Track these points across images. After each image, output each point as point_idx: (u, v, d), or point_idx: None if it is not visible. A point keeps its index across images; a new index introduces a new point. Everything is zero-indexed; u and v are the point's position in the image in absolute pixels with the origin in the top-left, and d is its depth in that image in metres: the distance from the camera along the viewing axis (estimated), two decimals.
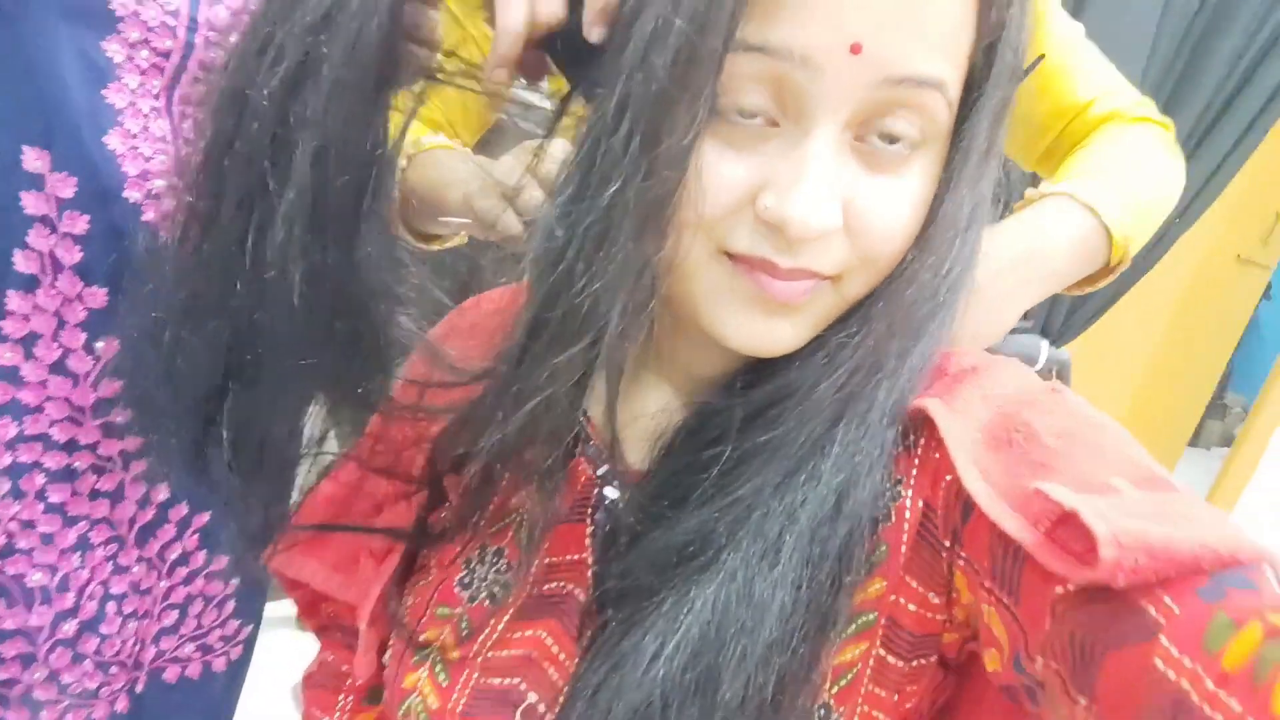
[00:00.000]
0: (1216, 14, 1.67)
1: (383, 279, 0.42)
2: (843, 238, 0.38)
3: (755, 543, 0.38)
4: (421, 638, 0.48)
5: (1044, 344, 0.78)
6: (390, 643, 0.51)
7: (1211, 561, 0.29)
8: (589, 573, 0.45)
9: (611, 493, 0.47)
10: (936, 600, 0.40)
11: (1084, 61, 0.75)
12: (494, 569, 0.48)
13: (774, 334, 0.39)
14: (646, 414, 0.46)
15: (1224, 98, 1.77)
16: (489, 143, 0.93)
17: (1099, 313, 1.92)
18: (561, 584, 0.46)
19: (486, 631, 0.46)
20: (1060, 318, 1.91)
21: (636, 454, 0.46)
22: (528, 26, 0.37)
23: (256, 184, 0.37)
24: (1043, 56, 0.50)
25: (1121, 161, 0.69)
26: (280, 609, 1.99)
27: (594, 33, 0.37)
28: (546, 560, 0.46)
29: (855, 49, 0.34)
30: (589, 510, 0.47)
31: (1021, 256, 0.62)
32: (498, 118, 0.87)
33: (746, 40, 0.35)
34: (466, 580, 0.48)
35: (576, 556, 0.46)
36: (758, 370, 0.42)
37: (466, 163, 0.73)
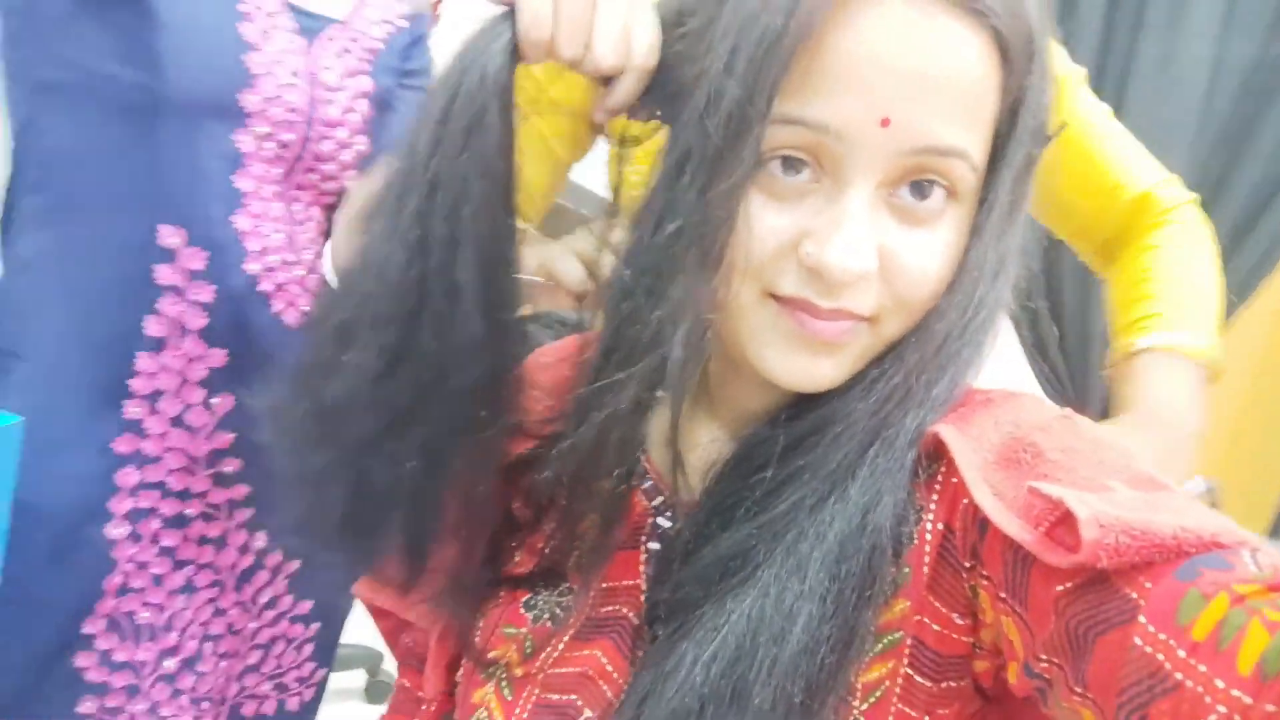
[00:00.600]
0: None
1: (510, 336, 0.48)
2: (877, 282, 0.42)
3: (788, 559, 0.41)
4: (489, 655, 0.52)
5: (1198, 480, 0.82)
6: (462, 661, 0.55)
7: (1193, 544, 0.32)
8: (642, 597, 0.49)
9: (664, 522, 0.50)
10: (961, 621, 0.42)
11: (1108, 142, 0.80)
12: (556, 592, 0.51)
13: (816, 370, 0.44)
14: (699, 446, 0.50)
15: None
16: (548, 223, 1.00)
17: None
18: (617, 607, 0.50)
19: (548, 650, 0.50)
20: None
21: (689, 484, 0.50)
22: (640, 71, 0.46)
23: (435, 287, 0.45)
24: (1065, 125, 0.54)
25: (1185, 284, 0.77)
26: (350, 679, 2.04)
27: (599, 116, 0.47)
28: (604, 585, 0.50)
29: (884, 123, 0.40)
30: (643, 539, 0.51)
31: (1172, 432, 0.72)
32: (558, 202, 0.94)
33: (788, 114, 0.40)
34: (531, 602, 0.52)
35: (631, 582, 0.50)
36: (800, 404, 0.46)
37: (534, 242, 0.81)
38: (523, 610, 0.52)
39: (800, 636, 0.39)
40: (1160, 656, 0.30)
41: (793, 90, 0.40)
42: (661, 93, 0.46)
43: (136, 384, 0.77)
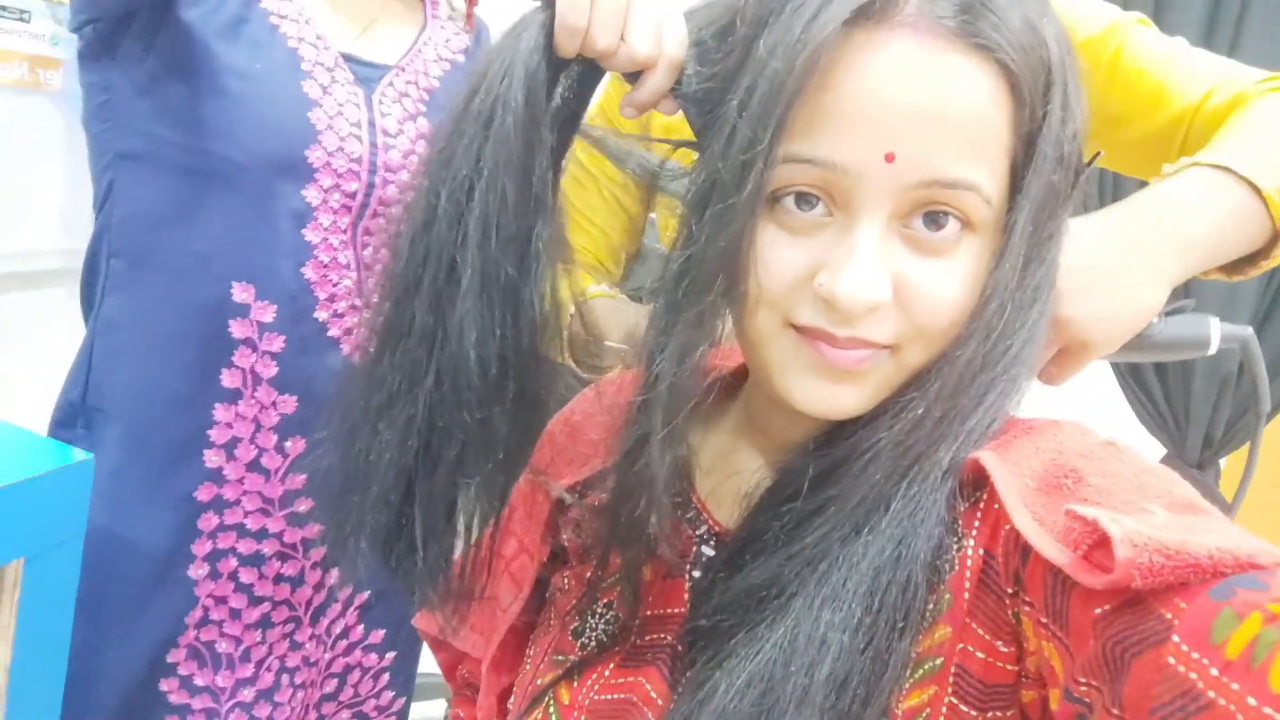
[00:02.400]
0: None
1: (542, 352, 0.50)
2: (894, 311, 0.43)
3: (820, 588, 0.42)
4: (538, 682, 0.53)
5: (1213, 321, 0.64)
6: (513, 688, 0.57)
7: (1228, 564, 0.32)
8: (685, 624, 0.50)
9: (708, 550, 0.51)
10: (1005, 649, 0.41)
11: (1189, 63, 0.70)
12: (603, 620, 0.53)
13: (837, 398, 0.45)
14: (740, 476, 0.51)
15: None
16: (634, 266, 1.01)
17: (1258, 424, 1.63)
18: (662, 634, 0.51)
19: (594, 677, 0.51)
20: (1220, 428, 1.61)
21: (729, 513, 0.51)
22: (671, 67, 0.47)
23: (444, 273, 0.46)
24: (1100, 153, 0.50)
25: (1266, 128, 0.62)
26: (430, 709, 2.07)
27: (627, 111, 0.49)
28: (650, 613, 0.52)
29: (889, 158, 0.41)
30: (688, 567, 0.52)
31: (1150, 226, 0.56)
32: (641, 245, 0.95)
33: (799, 154, 0.42)
34: (579, 630, 0.54)
35: (676, 610, 0.51)
36: (830, 433, 0.47)
37: (624, 307, 0.83)
38: (571, 637, 0.53)
39: (832, 667, 0.40)
40: (1193, 675, 0.30)
41: (803, 130, 0.41)
42: (689, 94, 0.47)
43: (215, 434, 0.80)
